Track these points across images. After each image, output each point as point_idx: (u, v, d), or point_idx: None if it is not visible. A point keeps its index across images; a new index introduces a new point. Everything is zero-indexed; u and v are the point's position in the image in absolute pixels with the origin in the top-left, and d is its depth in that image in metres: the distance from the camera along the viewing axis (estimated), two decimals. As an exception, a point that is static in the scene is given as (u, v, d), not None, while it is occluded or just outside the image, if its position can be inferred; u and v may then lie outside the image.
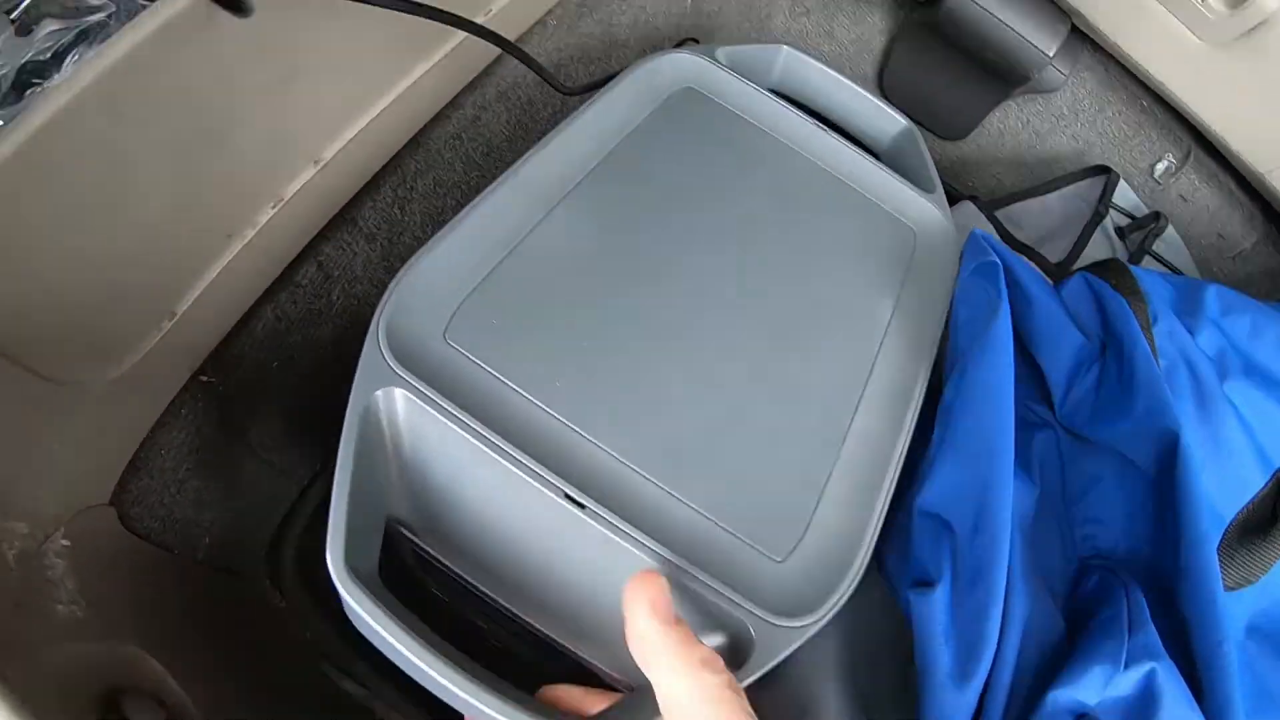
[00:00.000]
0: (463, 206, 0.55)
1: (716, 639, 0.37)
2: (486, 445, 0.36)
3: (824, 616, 0.37)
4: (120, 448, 0.47)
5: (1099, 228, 0.80)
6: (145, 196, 0.39)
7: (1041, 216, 0.83)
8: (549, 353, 0.41)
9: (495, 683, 0.32)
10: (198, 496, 0.53)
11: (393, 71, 0.54)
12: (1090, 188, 0.82)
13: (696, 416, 0.42)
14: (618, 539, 0.36)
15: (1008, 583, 0.43)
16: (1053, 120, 0.86)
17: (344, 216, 0.57)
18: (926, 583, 0.44)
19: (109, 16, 0.34)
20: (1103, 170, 0.82)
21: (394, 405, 0.37)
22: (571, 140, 0.49)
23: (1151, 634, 0.43)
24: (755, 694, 0.31)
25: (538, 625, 0.40)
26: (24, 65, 0.33)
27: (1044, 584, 0.47)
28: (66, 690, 0.36)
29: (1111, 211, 0.80)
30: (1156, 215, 0.80)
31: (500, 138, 0.68)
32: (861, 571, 0.39)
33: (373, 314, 0.45)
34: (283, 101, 0.44)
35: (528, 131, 0.70)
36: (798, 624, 0.36)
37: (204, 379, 0.50)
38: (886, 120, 0.65)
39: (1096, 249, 0.80)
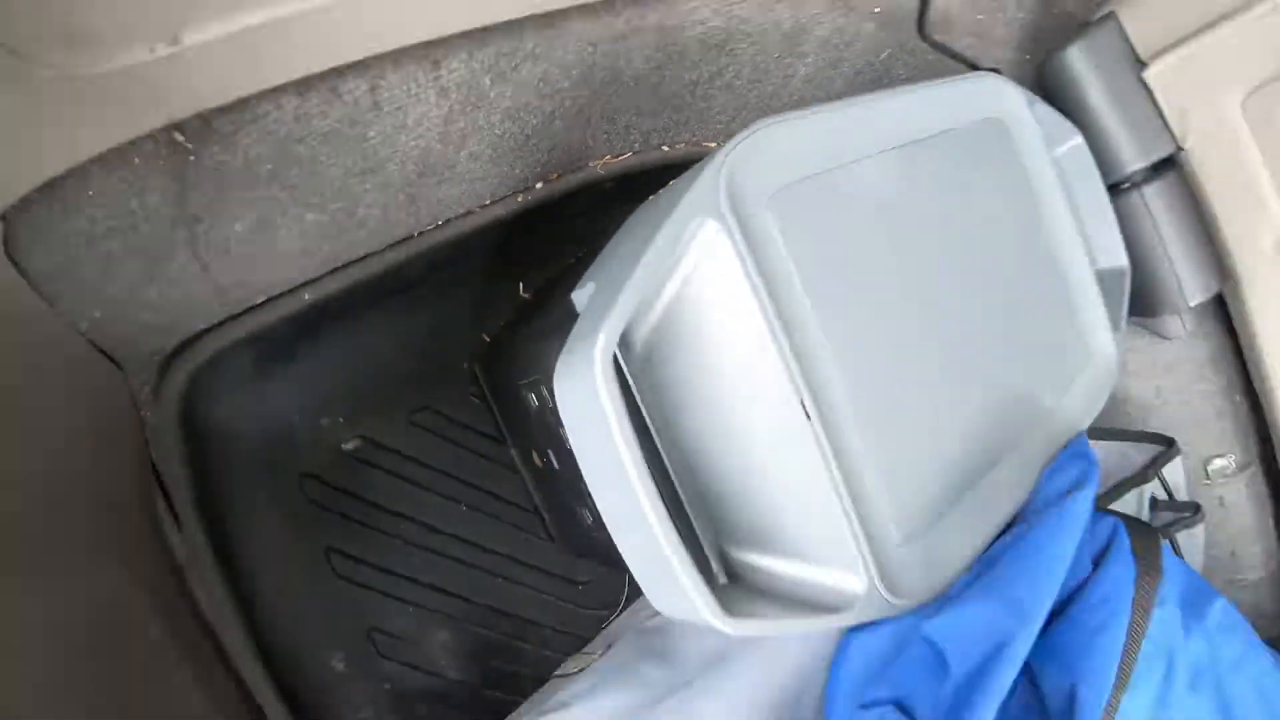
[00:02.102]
0: (551, 119, 0.53)
1: (829, 577, 0.41)
2: (761, 314, 0.38)
3: (910, 606, 0.42)
4: (44, 158, 0.35)
5: (1135, 490, 0.71)
6: None
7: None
8: (838, 269, 0.43)
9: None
10: (108, 262, 0.41)
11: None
12: (1142, 451, 0.74)
13: (910, 394, 0.45)
14: (817, 454, 0.39)
15: None
16: (1149, 365, 0.77)
17: (430, 52, 0.45)
18: (903, 708, 0.43)
19: None
20: (1166, 441, 0.73)
21: (705, 238, 0.38)
22: (911, 106, 0.50)
23: None
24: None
25: (680, 487, 0.42)
26: None
27: None
28: None
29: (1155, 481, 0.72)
30: (1196, 507, 0.71)
31: (632, 72, 0.57)
32: (945, 588, 0.44)
33: (401, 170, 0.48)
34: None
35: (661, 82, 0.59)
36: (897, 602, 0.41)
37: (178, 137, 0.38)
38: (1115, 252, 0.65)
39: (1123, 507, 0.71)
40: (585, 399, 0.34)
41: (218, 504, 0.55)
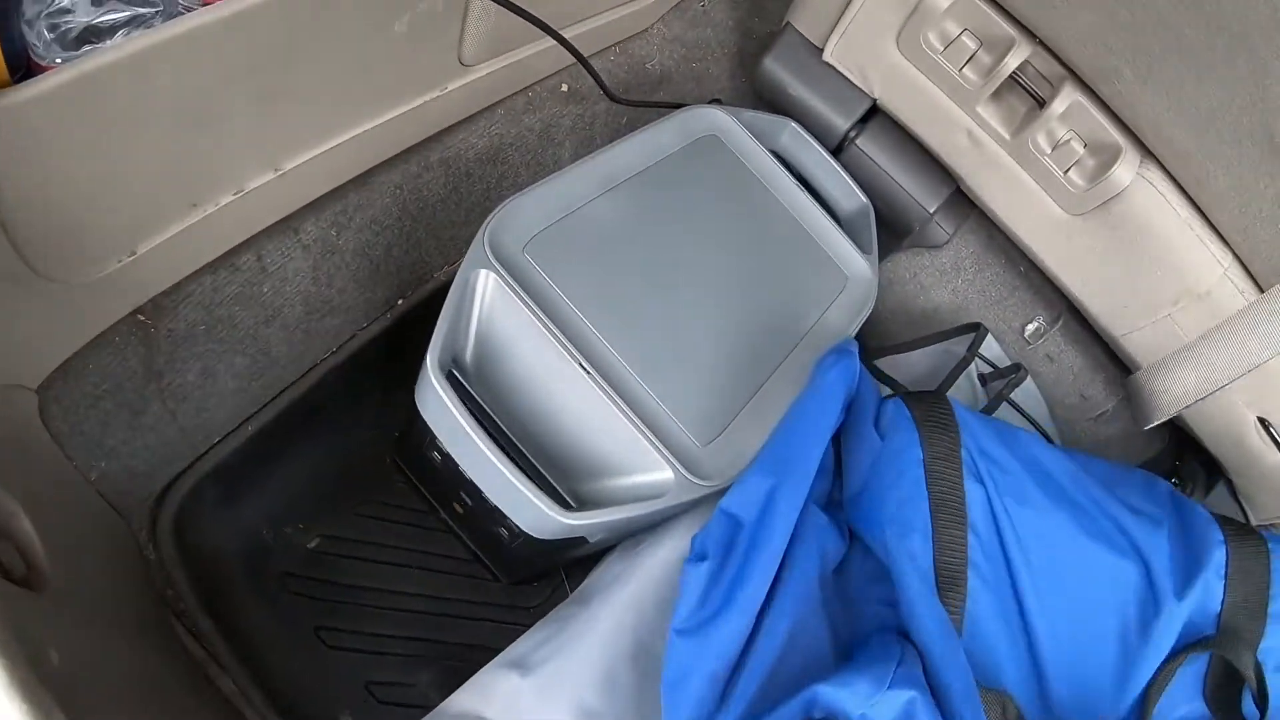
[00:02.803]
0: (390, 248, 0.83)
1: (648, 478, 0.70)
2: (536, 322, 0.69)
3: (716, 487, 0.70)
4: (58, 347, 0.66)
5: (964, 374, 1.01)
6: (141, 149, 0.60)
7: (910, 369, 1.06)
8: (584, 277, 0.74)
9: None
10: (105, 419, 0.71)
11: (357, 115, 0.77)
12: (960, 344, 1.05)
13: (676, 343, 0.76)
14: (606, 400, 0.69)
15: (786, 584, 0.65)
16: (936, 275, 1.10)
17: (289, 223, 0.79)
18: (701, 557, 0.67)
19: (157, 13, 0.57)
20: (974, 327, 1.05)
21: (483, 284, 0.70)
22: (630, 148, 0.84)
23: (917, 670, 0.62)
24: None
25: (527, 452, 0.73)
26: (88, 26, 0.55)
27: (825, 612, 0.66)
28: None
29: (977, 360, 1.03)
30: (1017, 367, 1.02)
31: (435, 198, 0.91)
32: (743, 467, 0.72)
33: (293, 312, 0.82)
34: (262, 111, 0.66)
35: (460, 199, 0.94)
36: (701, 483, 0.69)
37: (141, 318, 0.70)
38: (851, 195, 1.03)
39: (959, 394, 1.01)
40: (435, 405, 0.65)
41: (220, 611, 0.82)
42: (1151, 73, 0.78)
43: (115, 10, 0.54)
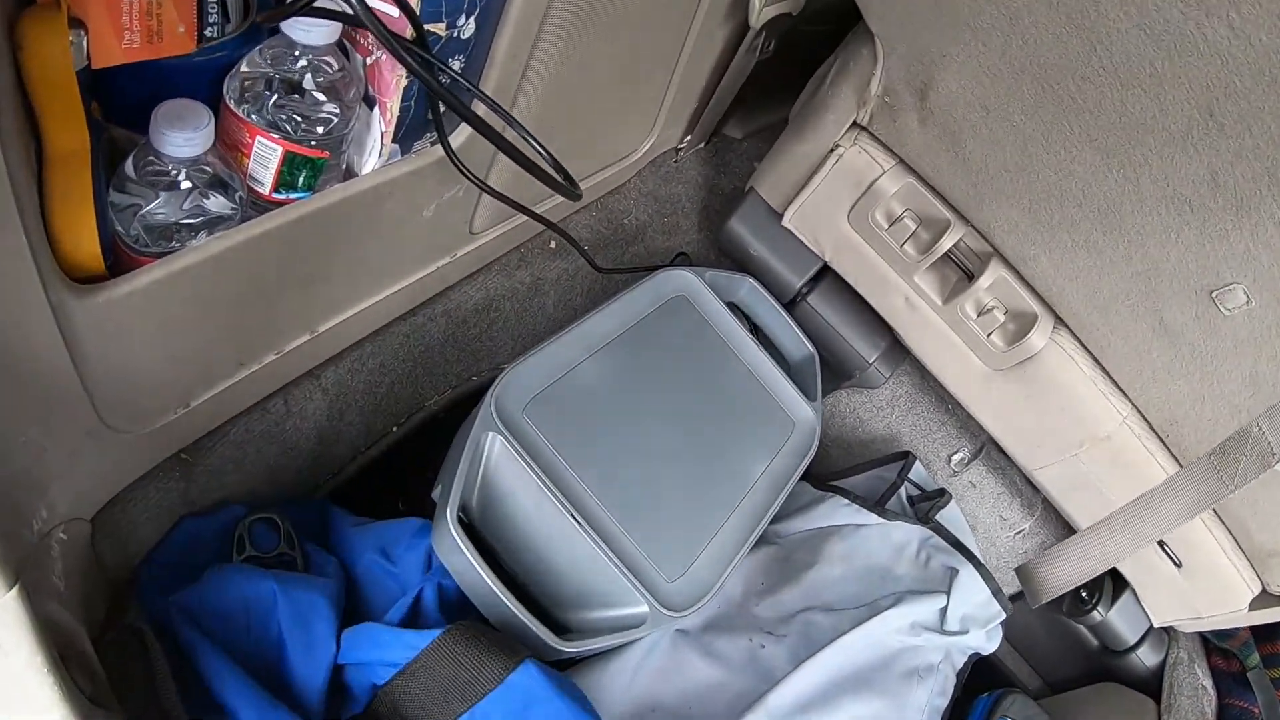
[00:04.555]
0: (393, 385, 0.93)
1: (626, 611, 0.81)
2: (535, 479, 0.80)
3: (684, 616, 0.83)
4: (113, 484, 0.73)
5: (895, 496, 1.13)
6: (208, 325, 0.69)
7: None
8: (574, 435, 0.86)
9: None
10: (144, 544, 0.78)
11: (384, 281, 0.87)
12: (891, 470, 1.17)
13: (649, 491, 0.89)
14: (595, 548, 0.80)
15: None
16: (873, 410, 1.22)
17: (314, 372, 0.88)
18: None
19: (230, 212, 0.66)
20: (903, 455, 1.17)
21: (490, 444, 0.80)
22: (610, 314, 0.97)
23: None
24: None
25: (530, 589, 0.83)
26: (171, 223, 0.62)
27: None
28: (50, 634, 0.60)
29: (906, 484, 1.14)
30: (941, 491, 1.14)
31: (435, 342, 1.01)
32: (711, 598, 0.86)
33: (307, 444, 0.92)
34: (306, 288, 0.76)
35: (456, 341, 1.04)
36: (672, 614, 0.82)
37: (184, 457, 0.78)
38: (799, 345, 1.16)
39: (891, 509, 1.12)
40: (450, 549, 0.74)
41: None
42: (1064, 261, 0.90)
43: (199, 212, 0.63)
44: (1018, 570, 1.09)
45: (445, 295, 0.99)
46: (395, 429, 1.04)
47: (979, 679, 1.01)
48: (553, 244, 1.10)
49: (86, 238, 0.57)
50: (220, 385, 0.75)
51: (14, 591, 0.54)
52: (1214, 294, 0.80)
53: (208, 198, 0.65)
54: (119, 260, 0.61)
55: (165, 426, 0.73)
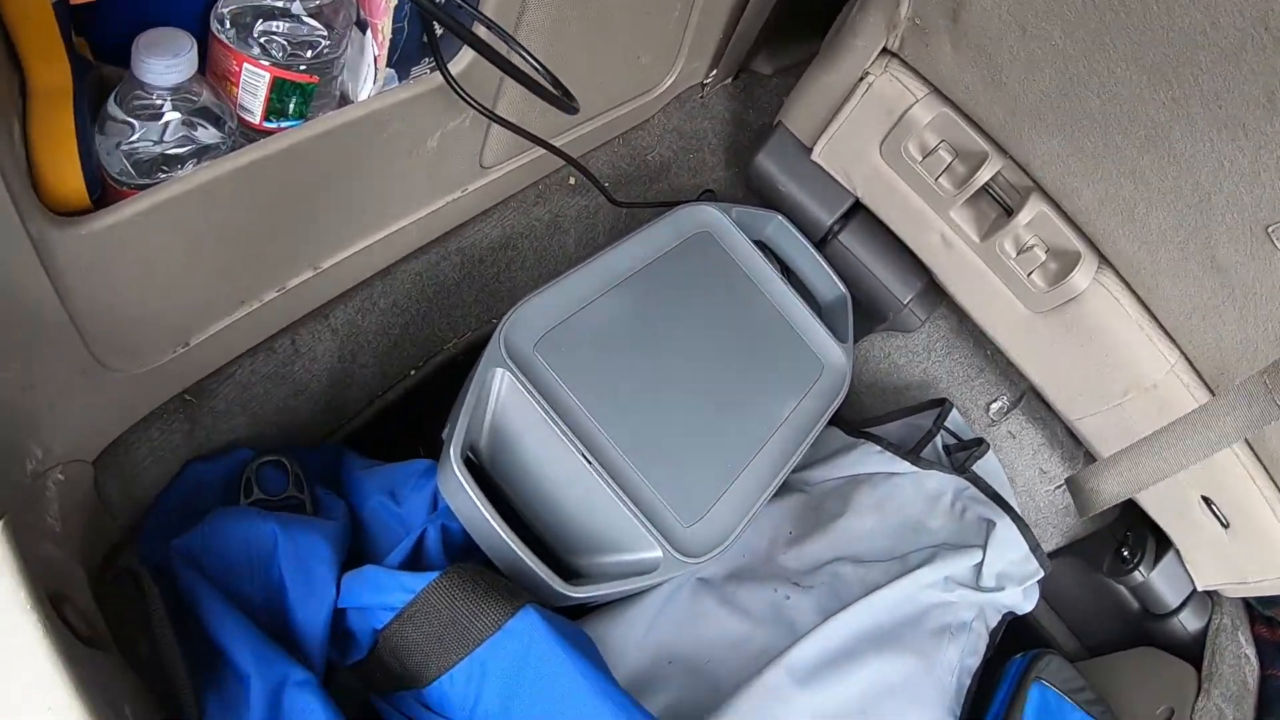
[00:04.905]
0: (408, 327, 0.90)
1: (640, 555, 0.76)
2: (545, 417, 0.76)
3: (700, 563, 0.78)
4: (113, 425, 0.71)
5: (930, 445, 1.08)
6: (199, 261, 0.66)
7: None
8: (588, 372, 0.81)
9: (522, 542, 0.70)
10: (151, 487, 0.76)
11: (390, 217, 0.83)
12: (926, 418, 1.11)
13: (666, 432, 0.83)
14: (604, 486, 0.76)
15: None
16: (909, 355, 1.16)
17: (321, 311, 0.85)
18: None
19: (220, 143, 0.63)
20: (939, 402, 1.11)
21: (499, 381, 0.76)
22: (630, 248, 0.91)
23: None
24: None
25: (537, 528, 0.80)
26: (159, 155, 0.59)
27: None
28: (41, 573, 0.58)
29: (942, 433, 1.09)
30: (979, 440, 1.08)
31: (450, 282, 0.97)
32: (728, 546, 0.80)
33: (319, 386, 0.88)
34: (307, 222, 0.72)
35: (473, 281, 1.00)
36: (687, 560, 0.77)
37: (187, 398, 0.75)
38: (831, 285, 1.10)
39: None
40: (453, 488, 0.71)
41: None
42: (1108, 194, 0.84)
43: (186, 142, 0.60)
44: (1068, 481, 1.03)
45: (459, 233, 0.95)
46: (413, 372, 1.02)
47: (1012, 639, 0.97)
48: (572, 180, 1.05)
49: (70, 172, 0.55)
50: (221, 323, 0.72)
51: None
52: (1270, 229, 0.74)
53: (196, 128, 0.62)
54: (108, 197, 0.59)
55: (165, 366, 0.70)
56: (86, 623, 0.64)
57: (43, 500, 0.62)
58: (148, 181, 0.60)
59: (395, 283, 0.92)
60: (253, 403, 0.82)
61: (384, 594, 0.68)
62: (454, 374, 1.03)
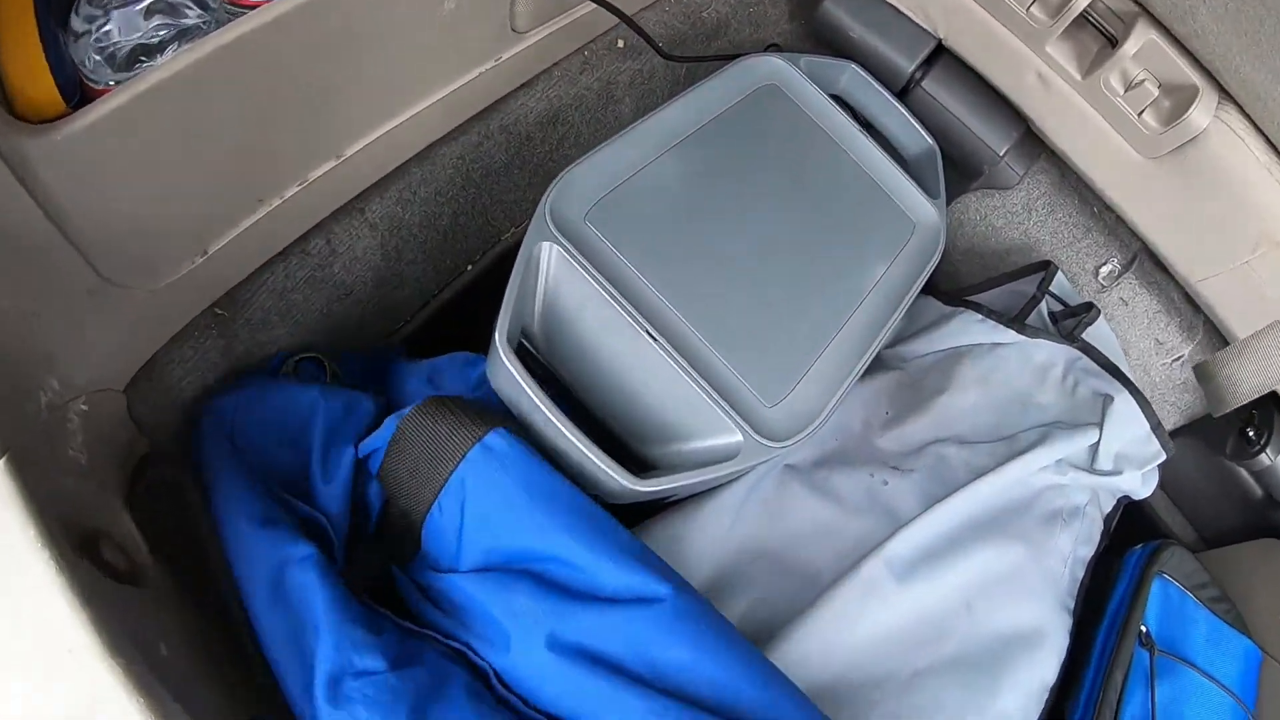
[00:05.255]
0: (457, 217, 0.79)
1: (717, 441, 0.67)
2: (601, 292, 0.66)
3: (786, 446, 0.67)
4: (141, 349, 0.65)
5: (1035, 312, 0.95)
6: (202, 156, 0.57)
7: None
8: (647, 242, 0.70)
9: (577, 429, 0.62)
10: (189, 408, 0.70)
11: (414, 94, 0.73)
12: (1029, 283, 0.98)
13: (741, 303, 0.72)
14: (673, 365, 0.66)
15: None
16: (1008, 216, 1.02)
17: (355, 205, 0.76)
18: None
19: (203, 24, 0.53)
20: (1043, 265, 0.98)
21: (547, 256, 0.67)
22: (687, 106, 0.79)
23: None
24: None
25: (604, 417, 0.72)
26: (136, 46, 0.52)
27: None
28: (61, 509, 0.52)
29: (1048, 299, 0.95)
30: (1089, 306, 0.95)
31: (498, 164, 0.87)
32: (817, 428, 0.69)
33: (364, 289, 0.79)
34: (319, 104, 0.63)
35: (524, 162, 0.89)
36: (771, 444, 0.66)
37: (218, 311, 0.68)
38: (916, 138, 0.96)
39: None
40: (503, 377, 0.63)
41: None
42: (1229, 11, 0.70)
43: (163, 27, 0.50)
44: (1196, 370, 0.91)
45: (499, 109, 0.85)
46: (469, 268, 0.93)
47: (1125, 528, 0.86)
48: (620, 42, 0.93)
49: (39, 75, 0.50)
50: (240, 226, 0.65)
51: (1, 463, 0.47)
52: None
53: (176, 14, 0.52)
54: (89, 99, 0.51)
55: (186, 278, 0.63)
56: (126, 556, 0.58)
57: (62, 434, 0.56)
58: (127, 76, 0.53)
59: (435, 169, 0.82)
60: (292, 311, 0.75)
61: (381, 436, 0.64)
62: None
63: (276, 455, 0.65)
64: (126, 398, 0.63)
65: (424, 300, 0.89)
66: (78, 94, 0.50)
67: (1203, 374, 0.89)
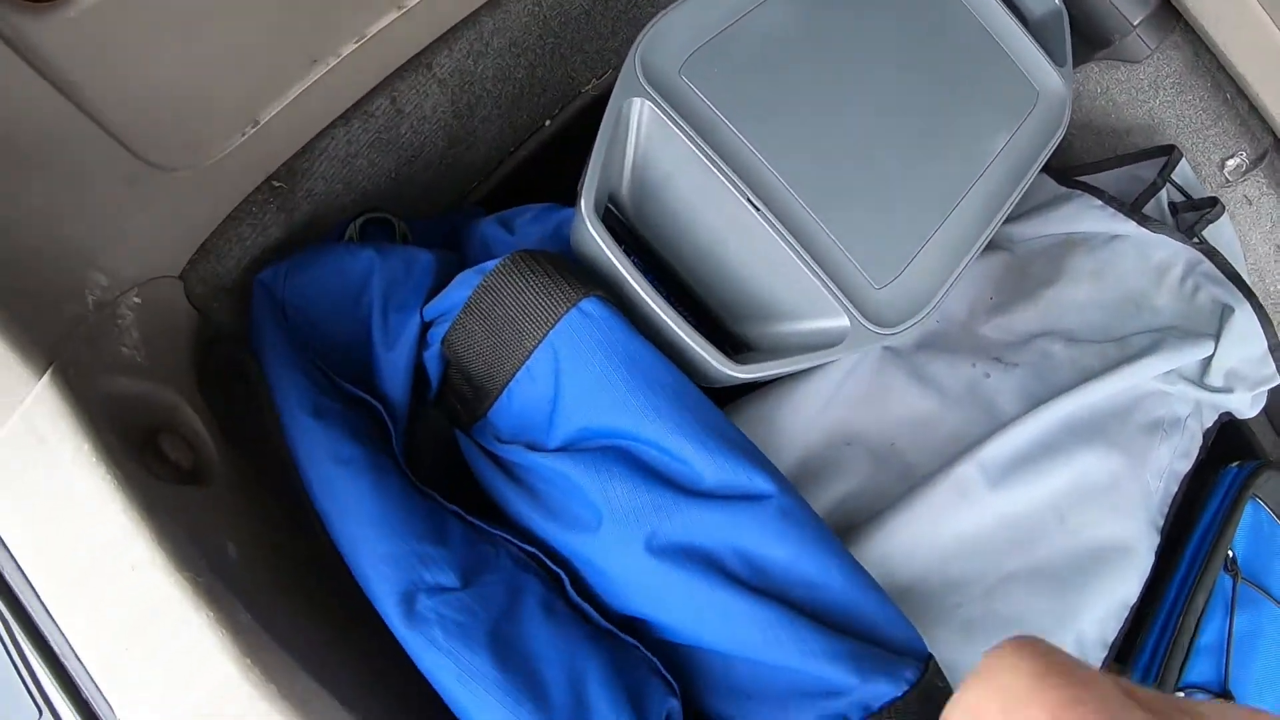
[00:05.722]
0: (534, 69, 0.70)
1: (821, 324, 0.60)
2: (698, 153, 0.58)
3: (896, 333, 0.60)
4: (194, 231, 0.58)
5: (1154, 200, 0.83)
6: (245, 12, 0.49)
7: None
8: (749, 99, 0.61)
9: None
10: (251, 288, 0.63)
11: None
12: (1149, 168, 0.85)
13: (851, 172, 0.63)
14: (776, 238, 0.58)
15: None
16: (1131, 92, 0.89)
17: (420, 60, 0.66)
18: None
19: None
20: (1167, 149, 0.85)
21: (639, 113, 0.58)
22: None
23: None
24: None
25: (699, 293, 0.65)
26: None
27: None
28: (117, 414, 0.47)
29: (1168, 187, 0.83)
30: (1214, 201, 0.83)
31: (578, 10, 0.76)
32: (931, 312, 0.62)
33: (435, 149, 0.70)
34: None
35: (606, 8, 0.78)
36: (879, 330, 0.59)
37: (276, 184, 0.60)
38: None
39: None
40: (589, 244, 0.56)
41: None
42: None
43: None
44: None
45: (576, -49, 0.72)
46: (547, 123, 0.83)
47: (1218, 444, 0.77)
48: None
49: None
50: (293, 90, 0.56)
51: (46, 378, 0.44)
52: None
53: None
54: None
55: (237, 152, 0.56)
56: (192, 449, 0.53)
57: (114, 332, 0.51)
58: None
59: (508, 17, 0.72)
60: (358, 177, 0.67)
61: (457, 293, 0.57)
62: (597, 121, 0.84)
63: (335, 324, 0.60)
64: (184, 283, 0.56)
65: (499, 158, 0.80)
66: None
67: None
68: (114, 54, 0.45)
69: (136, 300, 0.51)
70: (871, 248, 0.62)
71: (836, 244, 0.60)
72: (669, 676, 0.53)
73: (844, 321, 0.59)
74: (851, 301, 0.59)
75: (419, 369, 0.61)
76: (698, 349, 0.55)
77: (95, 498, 0.42)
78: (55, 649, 0.41)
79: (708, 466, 0.52)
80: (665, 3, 0.80)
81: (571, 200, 0.58)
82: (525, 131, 0.82)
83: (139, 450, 0.48)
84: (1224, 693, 0.72)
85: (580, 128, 0.85)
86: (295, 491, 0.55)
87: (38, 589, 0.41)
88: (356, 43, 0.57)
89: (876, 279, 0.61)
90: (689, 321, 0.56)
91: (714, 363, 0.55)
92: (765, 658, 0.50)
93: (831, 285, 0.59)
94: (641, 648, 0.53)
